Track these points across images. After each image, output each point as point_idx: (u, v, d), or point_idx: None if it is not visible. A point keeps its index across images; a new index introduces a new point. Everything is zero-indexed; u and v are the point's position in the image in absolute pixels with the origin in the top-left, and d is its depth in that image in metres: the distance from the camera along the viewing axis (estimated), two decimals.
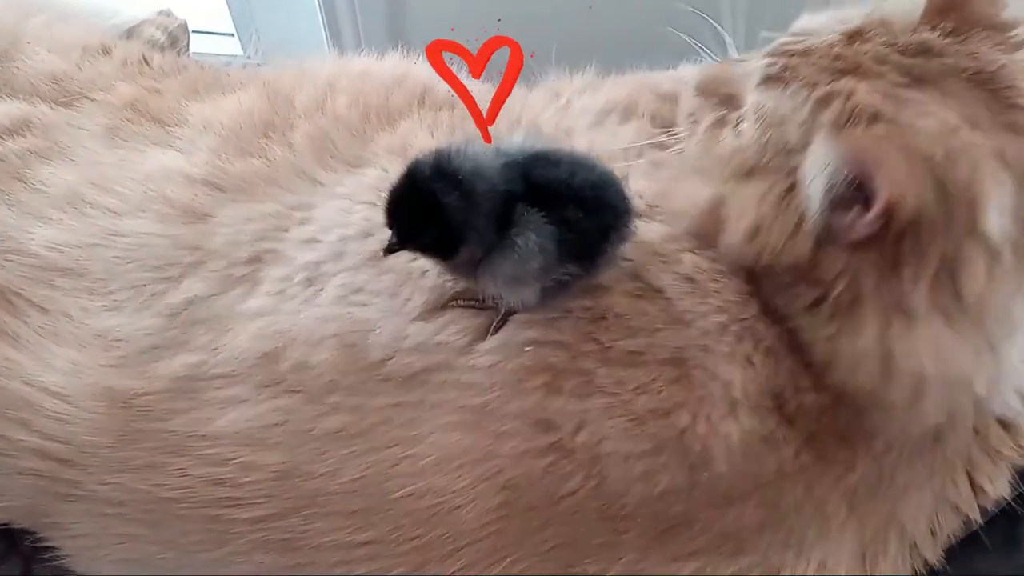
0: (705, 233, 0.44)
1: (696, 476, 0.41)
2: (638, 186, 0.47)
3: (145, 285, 0.47)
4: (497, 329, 0.42)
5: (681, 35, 0.59)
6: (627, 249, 0.43)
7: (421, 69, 0.63)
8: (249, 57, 1.03)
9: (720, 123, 0.47)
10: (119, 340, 0.46)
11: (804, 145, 0.40)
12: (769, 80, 0.44)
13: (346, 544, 0.41)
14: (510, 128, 0.53)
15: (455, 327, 0.43)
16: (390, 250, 0.39)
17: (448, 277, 0.44)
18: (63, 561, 0.50)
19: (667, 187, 0.48)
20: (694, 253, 0.45)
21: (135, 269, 0.48)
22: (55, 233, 0.49)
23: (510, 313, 0.43)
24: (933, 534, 0.46)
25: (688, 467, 0.41)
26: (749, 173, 0.43)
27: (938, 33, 0.41)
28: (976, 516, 0.46)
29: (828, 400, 0.42)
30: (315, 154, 0.52)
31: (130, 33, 0.73)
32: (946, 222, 0.37)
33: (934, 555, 0.47)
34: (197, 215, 0.49)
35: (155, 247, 0.48)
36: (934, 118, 0.38)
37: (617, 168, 0.47)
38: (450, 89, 0.58)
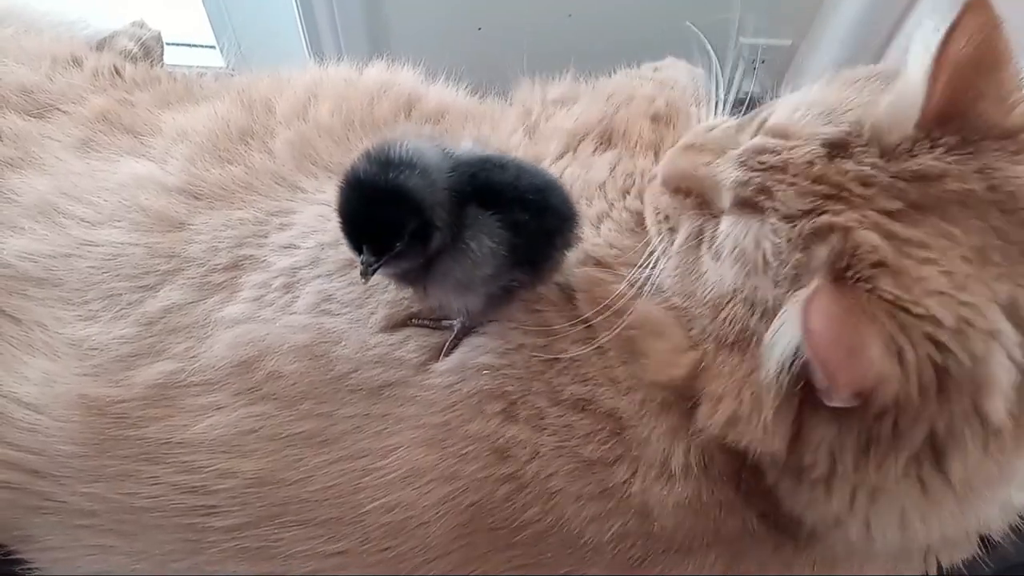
0: (681, 398, 0.38)
1: (646, 526, 0.38)
2: (611, 236, 0.43)
3: (121, 294, 0.44)
4: (451, 350, 0.41)
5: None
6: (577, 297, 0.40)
7: (406, 78, 0.61)
8: (233, 71, 1.00)
9: (696, 241, 0.39)
10: (94, 349, 0.43)
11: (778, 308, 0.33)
12: (744, 205, 0.36)
13: (318, 554, 0.39)
14: None
15: (412, 344, 0.41)
16: (368, 271, 0.35)
17: (404, 294, 0.42)
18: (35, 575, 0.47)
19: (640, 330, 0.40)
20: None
21: (111, 279, 0.45)
22: (27, 243, 0.47)
23: (463, 334, 0.41)
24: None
25: (636, 516, 0.38)
26: (731, 344, 0.36)
27: (940, 149, 0.33)
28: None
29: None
30: (296, 160, 0.50)
31: (102, 44, 0.69)
32: (940, 404, 0.30)
33: None
34: (173, 223, 0.46)
35: (131, 256, 0.45)
36: (938, 267, 0.30)
37: (595, 210, 0.43)
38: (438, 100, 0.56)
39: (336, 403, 0.40)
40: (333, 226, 0.44)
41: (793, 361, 0.31)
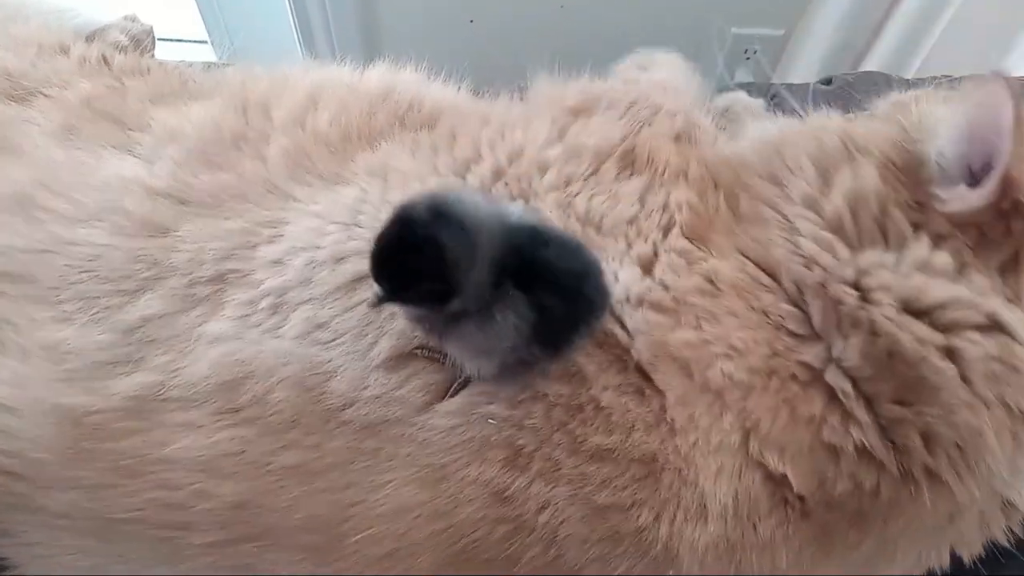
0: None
1: (659, 569, 0.36)
2: (668, 280, 0.39)
3: (98, 298, 0.41)
4: (456, 391, 0.38)
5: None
6: (635, 342, 0.38)
7: (409, 79, 0.57)
8: (225, 63, 0.96)
9: None
10: (69, 354, 0.41)
11: None
12: None
13: (300, 574, 0.38)
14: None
15: (417, 381, 0.38)
16: (378, 302, 0.34)
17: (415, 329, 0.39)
18: (15, 571, 0.45)
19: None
20: (729, 360, 0.37)
21: (88, 280, 0.42)
22: (0, 235, 0.43)
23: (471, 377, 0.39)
24: None
25: (648, 561, 0.36)
26: None
27: None
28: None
29: (874, 481, 0.36)
30: (290, 169, 0.46)
31: (92, 36, 0.65)
32: None
33: None
34: (157, 228, 0.43)
35: (110, 259, 0.42)
36: None
37: (631, 245, 0.40)
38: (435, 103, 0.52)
39: (325, 435, 0.38)
40: (328, 242, 0.42)
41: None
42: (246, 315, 0.40)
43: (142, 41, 0.70)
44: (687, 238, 0.41)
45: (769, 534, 0.36)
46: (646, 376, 0.38)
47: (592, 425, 0.37)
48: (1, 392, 0.40)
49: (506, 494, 0.36)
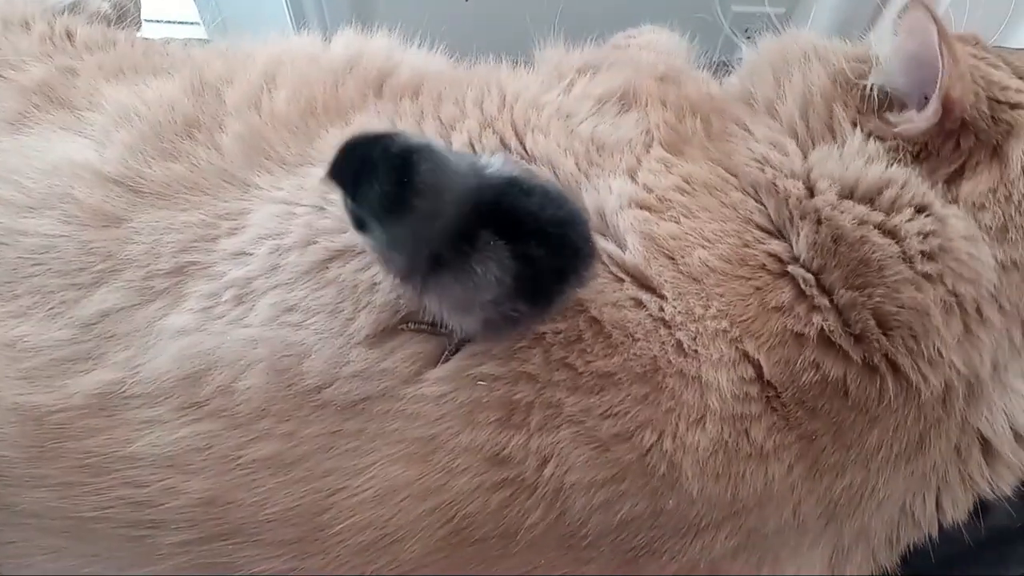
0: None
1: (660, 503, 0.37)
2: (649, 181, 0.42)
3: (53, 292, 0.39)
4: (449, 357, 0.37)
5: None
6: (627, 246, 0.40)
7: (377, 46, 0.54)
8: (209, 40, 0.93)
9: None
10: (27, 351, 0.39)
11: None
12: None
13: (280, 572, 0.36)
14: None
15: (403, 352, 0.37)
16: (329, 179, 0.32)
17: (399, 293, 0.37)
18: None
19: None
20: (704, 247, 0.39)
21: (41, 273, 0.40)
22: None
23: (465, 341, 0.37)
24: (891, 544, 0.44)
25: (650, 493, 0.36)
26: None
27: None
28: (933, 532, 0.44)
29: (840, 373, 0.38)
30: (247, 156, 0.43)
31: (75, 6, 0.61)
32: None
33: (890, 562, 0.45)
34: (110, 218, 0.41)
35: (62, 250, 0.40)
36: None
37: (622, 160, 0.43)
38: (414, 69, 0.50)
39: (299, 422, 0.36)
40: (296, 226, 0.39)
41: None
42: (209, 307, 0.38)
43: (127, 10, 0.66)
44: (666, 151, 0.44)
45: (761, 440, 0.37)
46: (641, 283, 0.39)
47: (593, 351, 0.37)
48: None
49: (503, 455, 0.36)
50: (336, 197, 0.40)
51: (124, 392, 0.37)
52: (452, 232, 0.32)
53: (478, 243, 0.32)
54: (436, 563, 0.36)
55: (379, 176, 0.31)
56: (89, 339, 0.38)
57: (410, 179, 0.31)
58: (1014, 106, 0.40)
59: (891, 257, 0.38)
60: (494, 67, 0.54)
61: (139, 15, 0.71)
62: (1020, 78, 0.42)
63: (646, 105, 0.48)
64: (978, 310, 0.38)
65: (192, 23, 1.04)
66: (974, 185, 0.39)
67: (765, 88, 0.47)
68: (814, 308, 0.38)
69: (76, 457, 0.37)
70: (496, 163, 0.35)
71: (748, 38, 1.12)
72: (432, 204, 0.32)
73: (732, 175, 0.43)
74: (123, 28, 0.66)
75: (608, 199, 0.42)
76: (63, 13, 0.60)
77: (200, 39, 0.68)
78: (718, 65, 0.61)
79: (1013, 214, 0.38)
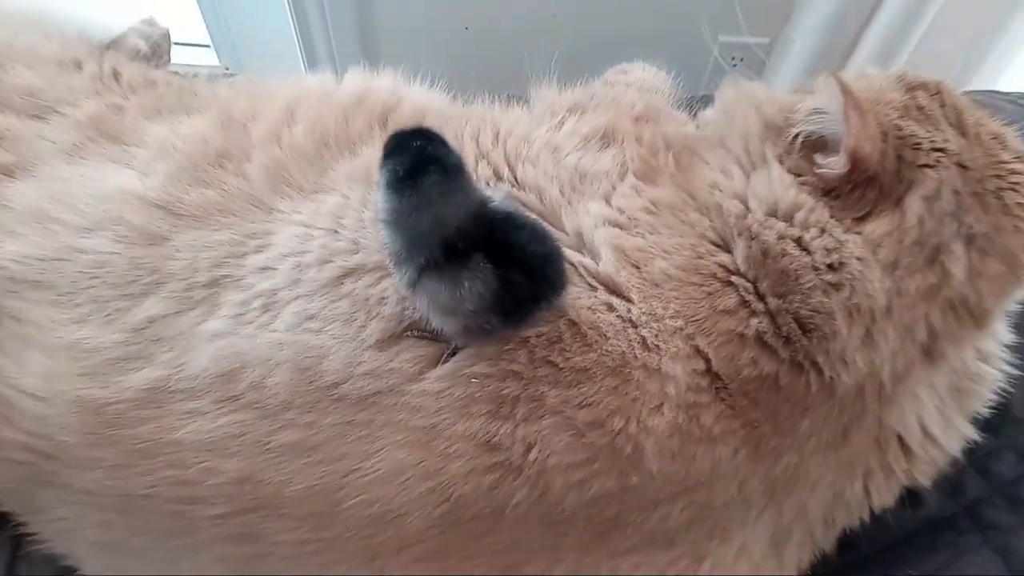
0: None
1: (625, 481, 0.41)
2: (622, 204, 0.49)
3: (108, 301, 0.44)
4: (447, 359, 0.41)
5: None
6: (601, 258, 0.46)
7: (383, 84, 0.59)
8: (227, 68, 0.97)
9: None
10: (87, 352, 0.44)
11: None
12: None
13: (301, 541, 0.41)
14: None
15: (407, 355, 0.41)
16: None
17: (406, 304, 0.42)
18: (43, 545, 0.49)
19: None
20: (664, 258, 0.45)
21: (98, 285, 0.45)
22: (21, 247, 0.46)
23: (461, 346, 0.42)
24: (827, 525, 0.48)
25: (618, 472, 0.41)
26: None
27: None
28: (864, 517, 0.48)
29: (774, 370, 0.42)
30: (271, 183, 0.48)
31: (114, 43, 0.67)
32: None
33: (827, 543, 0.49)
34: (155, 237, 0.46)
35: (115, 266, 0.45)
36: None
37: (600, 188, 0.50)
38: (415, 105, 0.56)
39: (319, 413, 0.41)
40: (314, 246, 0.45)
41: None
42: (240, 314, 0.43)
43: (160, 46, 0.71)
44: (638, 179, 0.51)
45: (710, 425, 0.42)
46: (612, 289, 0.44)
47: (571, 350, 0.41)
48: (33, 383, 0.43)
49: (493, 442, 0.40)
50: (348, 220, 0.46)
51: (170, 387, 0.42)
52: (450, 246, 0.37)
53: (470, 263, 0.37)
54: (434, 536, 0.40)
55: (401, 158, 0.38)
56: (139, 342, 0.43)
57: (416, 177, 0.37)
58: (921, 165, 0.44)
59: (804, 267, 0.43)
60: (489, 105, 0.59)
61: (170, 51, 0.76)
62: (953, 127, 0.46)
63: (623, 142, 0.53)
64: (874, 320, 0.42)
65: (204, 45, 1.10)
66: (875, 227, 0.43)
67: (720, 127, 0.54)
68: (753, 313, 0.43)
69: (128, 443, 0.42)
70: (498, 198, 0.41)
71: (734, 66, 1.18)
72: (426, 205, 0.38)
73: (692, 198, 0.48)
74: (158, 65, 0.72)
75: (586, 219, 0.47)
76: (107, 49, 0.66)
77: (216, 71, 0.74)
78: (702, 99, 0.66)
79: (903, 255, 0.43)
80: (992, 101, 0.70)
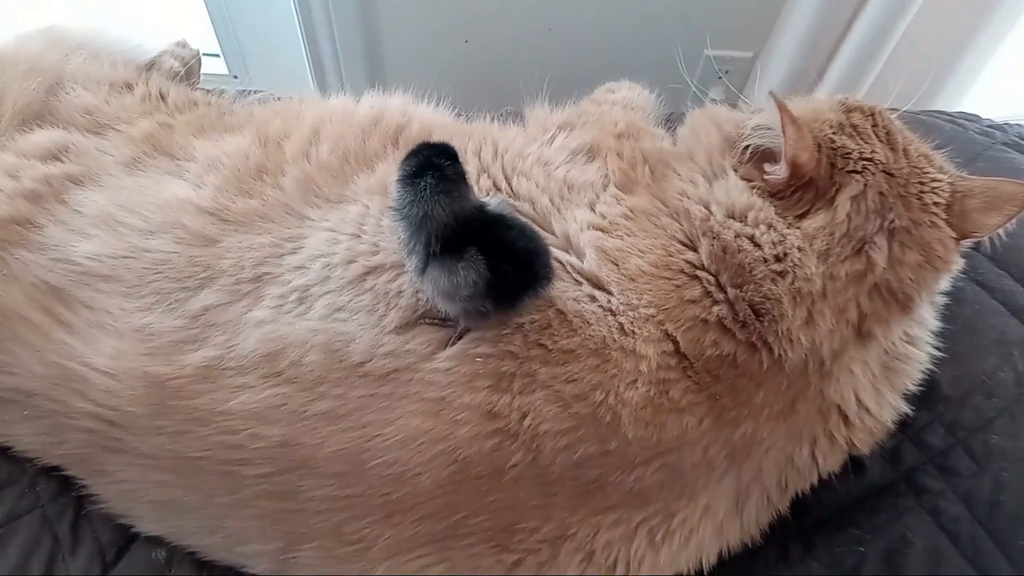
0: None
1: (605, 446, 0.46)
2: (604, 210, 0.56)
3: (169, 292, 0.51)
4: (455, 342, 0.48)
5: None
6: (585, 257, 0.52)
7: (395, 105, 0.66)
8: (235, 76, 1.01)
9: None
10: (152, 335, 0.50)
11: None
12: None
13: (331, 497, 0.47)
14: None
15: (421, 338, 0.48)
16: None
17: (419, 296, 0.49)
18: (102, 506, 0.55)
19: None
20: (639, 256, 0.51)
21: (160, 279, 0.51)
22: (93, 247, 0.53)
23: (466, 330, 0.48)
24: (781, 488, 0.54)
25: (599, 438, 0.46)
26: None
27: None
28: (814, 481, 0.55)
29: (732, 350, 0.48)
30: (302, 194, 0.55)
31: (151, 64, 0.73)
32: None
33: (782, 505, 0.55)
34: (208, 240, 0.52)
35: (175, 263, 0.52)
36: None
37: (585, 196, 0.56)
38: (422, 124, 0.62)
39: (348, 387, 0.46)
40: (340, 249, 0.51)
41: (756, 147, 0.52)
42: (280, 305, 0.49)
43: (193, 68, 0.78)
44: (618, 189, 0.57)
45: (678, 398, 0.47)
46: (594, 283, 0.50)
47: (559, 334, 0.47)
48: (106, 363, 0.50)
49: (493, 411, 0.46)
50: (369, 226, 0.53)
51: (222, 365, 0.48)
52: (450, 238, 0.44)
53: (466, 254, 0.44)
54: (443, 494, 0.46)
55: (412, 162, 0.45)
56: (196, 327, 0.50)
57: (417, 177, 0.44)
58: (850, 171, 0.51)
59: (756, 260, 0.49)
60: (489, 123, 0.66)
61: (199, 68, 0.83)
62: (883, 142, 0.53)
63: (606, 156, 0.60)
64: (813, 302, 0.48)
65: (213, 55, 1.14)
66: (812, 222, 0.50)
67: (689, 143, 0.61)
68: (715, 301, 0.49)
69: (186, 412, 0.48)
70: (494, 203, 0.48)
71: (720, 78, 1.23)
72: (419, 201, 0.44)
73: (664, 205, 0.55)
74: (190, 84, 0.79)
75: (573, 224, 0.54)
76: (148, 69, 0.73)
77: (240, 90, 0.81)
78: (681, 116, 0.72)
79: (834, 245, 0.49)
80: (933, 120, 0.76)
